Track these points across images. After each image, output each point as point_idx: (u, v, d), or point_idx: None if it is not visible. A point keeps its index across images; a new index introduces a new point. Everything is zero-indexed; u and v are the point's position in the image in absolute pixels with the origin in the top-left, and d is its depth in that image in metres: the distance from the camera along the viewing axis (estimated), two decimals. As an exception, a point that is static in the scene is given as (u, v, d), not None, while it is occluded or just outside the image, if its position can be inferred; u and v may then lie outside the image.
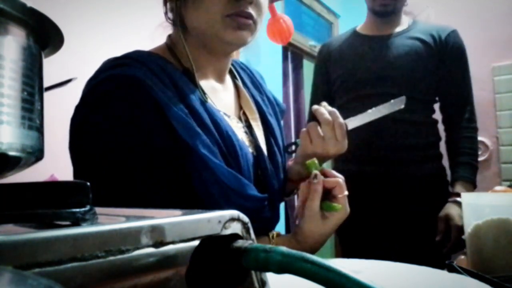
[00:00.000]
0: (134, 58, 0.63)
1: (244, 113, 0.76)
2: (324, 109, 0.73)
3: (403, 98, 0.81)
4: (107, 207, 0.62)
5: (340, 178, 0.68)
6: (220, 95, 0.72)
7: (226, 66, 0.75)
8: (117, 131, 0.57)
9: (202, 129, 0.60)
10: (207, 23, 0.65)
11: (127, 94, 0.58)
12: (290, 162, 0.82)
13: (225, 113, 0.70)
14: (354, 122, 0.76)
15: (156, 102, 0.57)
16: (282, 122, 0.85)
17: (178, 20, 0.68)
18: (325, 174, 0.68)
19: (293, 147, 0.79)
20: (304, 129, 0.75)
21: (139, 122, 0.57)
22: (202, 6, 0.64)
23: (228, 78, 0.78)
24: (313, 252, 0.65)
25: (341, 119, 0.72)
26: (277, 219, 0.74)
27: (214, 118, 0.63)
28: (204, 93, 0.67)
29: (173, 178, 0.60)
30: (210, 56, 0.71)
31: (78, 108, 0.61)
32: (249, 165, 0.66)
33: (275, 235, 0.66)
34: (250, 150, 0.70)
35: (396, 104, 0.79)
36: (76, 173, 0.63)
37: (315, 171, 0.66)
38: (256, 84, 0.82)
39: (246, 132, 0.73)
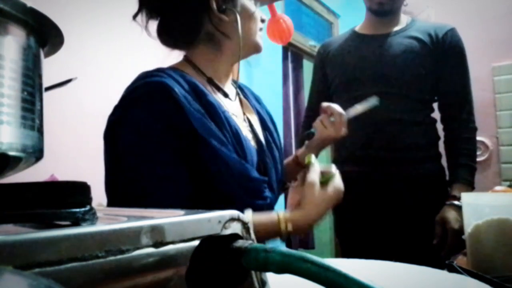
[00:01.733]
0: (163, 71, 0.77)
1: (247, 117, 0.92)
2: (334, 104, 0.99)
3: (376, 97, 1.08)
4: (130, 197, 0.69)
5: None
6: (229, 100, 0.88)
7: (232, 73, 0.93)
8: (149, 124, 0.70)
9: (218, 126, 0.74)
10: (255, 33, 0.87)
11: (158, 97, 0.71)
12: (301, 150, 1.02)
13: (233, 114, 0.84)
14: (348, 113, 1.03)
15: (180, 106, 0.70)
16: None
17: (217, 37, 0.84)
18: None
19: (311, 135, 1.01)
20: (318, 119, 1.00)
21: (166, 120, 0.70)
22: (252, 18, 0.85)
23: (232, 88, 0.94)
24: (316, 222, 0.76)
25: (342, 110, 1.00)
26: (276, 201, 0.89)
27: (227, 118, 0.78)
28: (227, 95, 0.86)
29: (190, 166, 0.71)
30: (227, 64, 0.88)
31: (117, 107, 0.74)
32: (252, 155, 0.80)
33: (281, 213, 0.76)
34: (253, 144, 0.85)
35: (373, 101, 1.08)
36: (107, 162, 0.74)
37: (313, 159, 0.83)
38: (257, 99, 1.02)
39: (249, 131, 0.88)
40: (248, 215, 0.70)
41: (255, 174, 0.77)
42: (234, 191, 0.74)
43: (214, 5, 0.80)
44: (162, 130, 0.70)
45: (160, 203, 0.63)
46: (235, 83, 0.96)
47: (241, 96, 0.95)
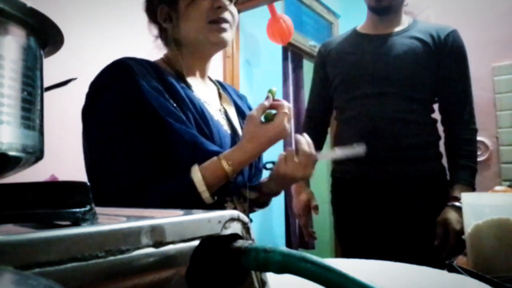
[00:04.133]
0: (132, 58, 0.81)
1: (223, 107, 0.95)
2: (305, 140, 0.87)
3: (363, 146, 0.94)
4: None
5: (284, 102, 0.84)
6: (202, 89, 0.92)
7: (207, 67, 0.96)
8: (111, 104, 0.77)
9: (178, 104, 0.79)
10: (196, 30, 0.85)
11: (118, 76, 0.77)
12: (264, 179, 0.94)
13: (205, 101, 0.88)
14: (322, 156, 0.92)
15: (138, 84, 0.75)
16: None
17: (172, 38, 0.88)
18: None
19: (271, 165, 0.91)
20: (283, 152, 0.88)
21: (125, 98, 0.76)
22: (190, 17, 0.85)
23: (211, 83, 0.99)
24: (253, 155, 0.79)
25: (314, 152, 0.86)
26: (246, 184, 0.89)
27: (191, 99, 0.82)
28: (189, 86, 0.88)
29: (149, 140, 0.76)
30: (198, 60, 0.92)
31: (86, 94, 0.81)
32: (223, 138, 0.84)
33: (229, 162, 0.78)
34: (226, 129, 0.89)
35: (359, 150, 0.94)
36: (86, 150, 0.81)
37: (270, 96, 0.83)
38: (240, 96, 1.05)
39: (224, 118, 0.92)
40: (195, 168, 0.76)
41: (212, 147, 0.79)
42: (189, 163, 0.77)
43: (160, 17, 0.88)
44: (123, 110, 0.76)
45: (126, 174, 0.74)
46: (216, 82, 1.02)
47: (221, 91, 0.99)
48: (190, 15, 0.85)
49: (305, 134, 0.89)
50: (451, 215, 1.29)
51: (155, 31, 0.92)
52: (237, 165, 0.78)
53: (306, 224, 1.52)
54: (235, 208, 0.86)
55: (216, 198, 0.78)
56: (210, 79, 1.01)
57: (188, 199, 0.75)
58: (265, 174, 0.95)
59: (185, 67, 0.89)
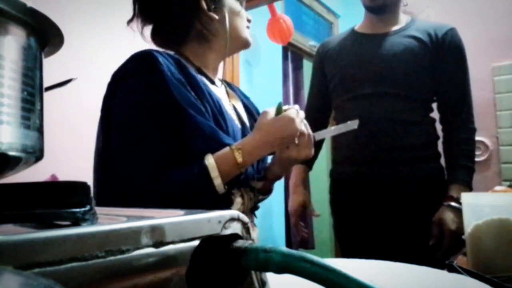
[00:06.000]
0: (156, 50, 0.83)
1: (232, 103, 0.99)
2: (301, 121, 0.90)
3: (357, 120, 0.96)
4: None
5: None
6: (215, 86, 0.95)
7: (219, 65, 1.00)
8: (135, 94, 0.79)
9: (198, 96, 0.81)
10: (243, 28, 0.94)
11: (143, 67, 0.78)
12: (267, 165, 0.98)
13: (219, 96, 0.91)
14: (319, 134, 0.94)
15: (163, 76, 0.77)
16: None
17: (206, 35, 0.91)
18: None
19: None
20: None
21: (150, 89, 0.77)
22: (241, 14, 0.93)
23: (218, 81, 1.01)
24: (264, 146, 0.81)
25: (311, 131, 0.89)
26: (254, 176, 0.93)
27: (210, 93, 0.85)
28: (212, 80, 0.93)
29: (170, 130, 0.78)
30: (215, 59, 0.95)
31: (109, 83, 0.83)
32: (235, 131, 0.87)
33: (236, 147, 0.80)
34: (237, 123, 0.92)
35: (352, 125, 0.96)
36: (101, 137, 0.82)
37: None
38: (245, 96, 1.08)
39: (234, 113, 0.95)
40: (208, 157, 0.77)
41: (227, 140, 0.81)
42: (204, 153, 0.78)
43: (204, 6, 0.88)
44: (146, 98, 0.78)
45: (143, 157, 0.76)
46: (223, 81, 1.05)
47: (228, 89, 1.03)
48: (237, 13, 0.92)
49: (300, 111, 0.88)
50: (447, 215, 1.28)
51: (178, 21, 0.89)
52: (247, 153, 0.79)
53: (296, 223, 1.53)
54: (242, 199, 0.88)
55: (227, 187, 0.79)
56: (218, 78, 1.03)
57: (201, 186, 0.76)
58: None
59: (203, 62, 0.92)
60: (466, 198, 0.79)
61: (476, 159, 1.43)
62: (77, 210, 0.24)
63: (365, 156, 1.42)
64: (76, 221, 0.24)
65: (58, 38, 0.31)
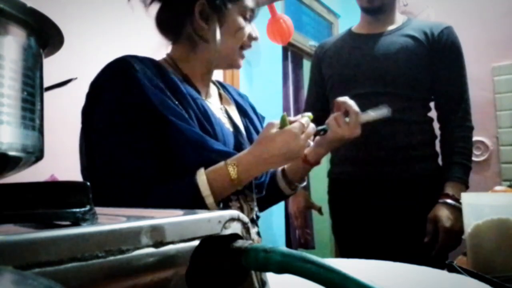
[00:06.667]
0: (133, 55, 0.79)
1: (224, 106, 0.96)
2: (351, 101, 0.94)
3: (387, 107, 1.02)
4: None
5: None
6: (204, 90, 0.92)
7: (211, 76, 0.95)
8: (113, 105, 0.75)
9: (180, 102, 0.77)
10: (232, 49, 0.87)
11: (118, 75, 0.75)
12: (308, 148, 0.95)
13: (207, 100, 0.89)
14: (363, 117, 0.96)
15: (139, 83, 0.73)
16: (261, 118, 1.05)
17: (194, 39, 0.86)
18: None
19: (322, 132, 0.96)
20: (331, 116, 0.94)
21: (127, 98, 0.74)
22: (234, 34, 0.85)
23: (213, 86, 0.99)
24: (263, 161, 0.76)
25: (359, 110, 0.93)
26: (251, 185, 0.89)
27: (193, 96, 0.81)
28: (196, 88, 0.87)
29: (153, 139, 0.75)
30: (201, 66, 0.89)
31: (87, 94, 0.80)
32: (226, 136, 0.83)
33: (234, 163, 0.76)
34: (228, 127, 0.88)
35: (384, 111, 1.03)
36: (85, 149, 0.79)
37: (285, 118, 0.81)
38: (241, 95, 1.05)
39: (225, 116, 0.92)
40: (200, 172, 0.74)
41: (218, 146, 0.77)
42: (194, 163, 0.75)
43: (197, 11, 0.83)
44: (122, 111, 0.74)
45: (130, 176, 0.73)
46: (216, 83, 1.02)
47: (221, 91, 1.00)
48: (233, 32, 0.85)
49: (308, 124, 0.86)
50: (442, 212, 1.28)
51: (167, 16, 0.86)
52: (244, 170, 0.74)
53: (301, 226, 1.52)
54: (240, 207, 0.85)
55: (221, 205, 0.75)
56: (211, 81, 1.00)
57: (191, 203, 0.72)
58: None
59: (189, 68, 0.88)
60: (466, 198, 0.79)
61: (476, 159, 1.43)
62: (77, 210, 0.24)
63: (363, 155, 1.42)
64: (76, 221, 0.24)
65: (58, 38, 0.31)
